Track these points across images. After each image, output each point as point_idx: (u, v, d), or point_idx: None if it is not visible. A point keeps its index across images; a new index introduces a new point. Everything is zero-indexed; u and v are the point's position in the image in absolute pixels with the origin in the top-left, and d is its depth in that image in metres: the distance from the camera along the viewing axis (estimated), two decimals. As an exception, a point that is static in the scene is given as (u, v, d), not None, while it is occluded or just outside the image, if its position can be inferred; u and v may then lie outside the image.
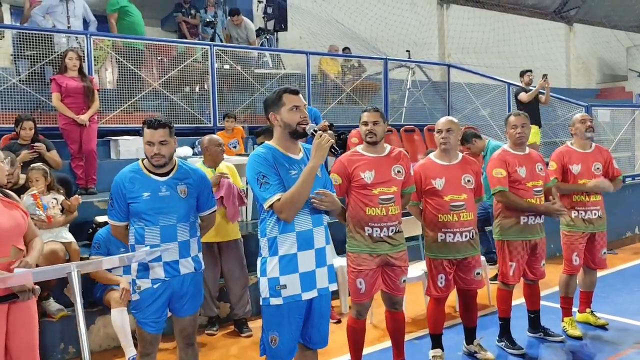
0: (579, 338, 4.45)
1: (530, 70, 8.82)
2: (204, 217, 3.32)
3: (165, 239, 3.07)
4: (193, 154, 6.94)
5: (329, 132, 7.25)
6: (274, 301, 2.77)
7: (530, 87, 8.65)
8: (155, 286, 3.10)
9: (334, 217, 3.50)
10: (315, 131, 2.79)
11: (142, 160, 3.17)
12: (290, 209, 2.71)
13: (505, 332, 4.29)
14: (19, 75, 6.52)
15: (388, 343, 4.27)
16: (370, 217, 3.49)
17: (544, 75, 8.64)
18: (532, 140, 7.88)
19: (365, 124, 3.59)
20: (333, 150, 2.79)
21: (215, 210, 3.37)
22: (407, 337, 3.98)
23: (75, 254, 4.34)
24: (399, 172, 3.58)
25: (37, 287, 2.90)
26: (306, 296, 2.80)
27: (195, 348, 3.35)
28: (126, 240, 3.23)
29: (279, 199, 2.70)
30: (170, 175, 3.15)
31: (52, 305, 4.27)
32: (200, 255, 3.27)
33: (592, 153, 4.52)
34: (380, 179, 3.51)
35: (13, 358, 2.87)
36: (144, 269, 3.10)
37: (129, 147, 6.62)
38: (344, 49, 10.79)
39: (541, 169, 4.19)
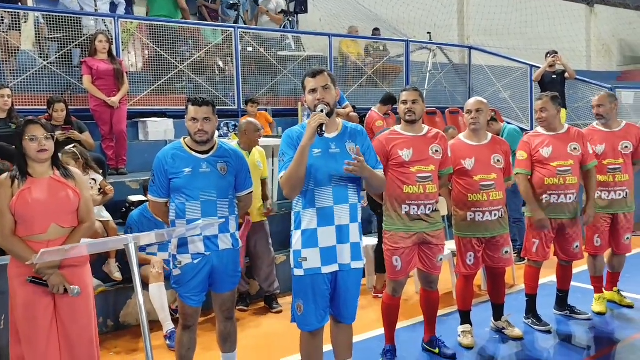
0: (601, 314, 4.52)
1: (556, 52, 8.68)
2: (242, 197, 3.40)
3: (205, 214, 3.17)
4: (219, 136, 7.03)
5: (351, 112, 7.31)
6: (297, 272, 2.94)
7: (555, 69, 8.58)
8: (195, 261, 3.20)
9: (373, 193, 3.54)
10: (322, 111, 2.81)
11: (184, 139, 3.28)
12: (286, 187, 2.85)
13: (531, 309, 4.36)
14: (44, 57, 6.60)
15: (417, 319, 4.39)
16: (408, 195, 3.55)
17: (551, 53, 8.56)
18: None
19: (405, 102, 3.62)
20: (319, 132, 2.75)
21: (252, 192, 3.47)
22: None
23: (113, 232, 4.48)
24: (436, 151, 3.63)
25: (76, 287, 2.91)
26: (326, 270, 2.91)
27: (234, 321, 3.48)
28: (165, 218, 3.33)
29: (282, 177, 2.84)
30: (211, 153, 3.24)
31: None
32: (238, 233, 3.37)
33: (620, 132, 4.49)
34: (418, 157, 3.56)
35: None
36: (184, 244, 3.20)
37: (157, 129, 6.70)
38: (374, 30, 10.72)
39: (575, 148, 4.14)
